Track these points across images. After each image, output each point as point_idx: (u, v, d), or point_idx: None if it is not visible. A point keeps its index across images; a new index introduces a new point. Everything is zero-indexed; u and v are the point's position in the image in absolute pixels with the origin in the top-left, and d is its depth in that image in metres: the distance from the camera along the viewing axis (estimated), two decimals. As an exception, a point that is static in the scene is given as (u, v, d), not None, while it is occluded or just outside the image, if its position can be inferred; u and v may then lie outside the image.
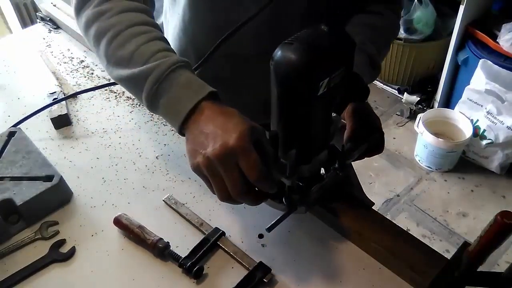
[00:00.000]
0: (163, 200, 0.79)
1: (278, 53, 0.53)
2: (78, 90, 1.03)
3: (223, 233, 0.73)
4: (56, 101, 0.95)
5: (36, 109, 0.95)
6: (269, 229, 0.63)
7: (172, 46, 0.72)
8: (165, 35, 0.84)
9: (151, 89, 0.63)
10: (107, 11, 0.69)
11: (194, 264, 0.68)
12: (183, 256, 0.69)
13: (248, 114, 0.61)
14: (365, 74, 0.77)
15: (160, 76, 0.63)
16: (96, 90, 1.03)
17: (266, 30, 0.83)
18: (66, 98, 0.98)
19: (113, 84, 1.00)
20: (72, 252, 0.72)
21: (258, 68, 0.90)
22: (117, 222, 0.74)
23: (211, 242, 0.71)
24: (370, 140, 0.70)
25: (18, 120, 0.92)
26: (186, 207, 0.78)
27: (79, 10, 0.73)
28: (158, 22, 0.96)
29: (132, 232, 0.73)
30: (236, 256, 0.70)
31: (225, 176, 0.57)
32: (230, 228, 0.74)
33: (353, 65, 0.58)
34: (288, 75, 0.52)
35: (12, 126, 0.90)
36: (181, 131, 0.63)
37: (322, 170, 0.69)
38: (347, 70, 0.56)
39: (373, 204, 0.74)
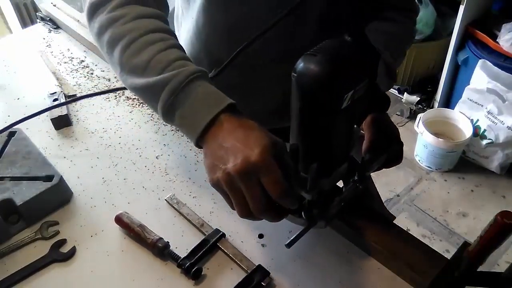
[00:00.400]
0: (165, 200, 0.79)
1: (300, 64, 0.50)
2: (78, 91, 1.03)
3: (223, 235, 0.73)
4: (57, 105, 0.94)
5: (36, 110, 0.94)
6: (289, 245, 0.61)
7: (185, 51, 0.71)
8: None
9: (168, 100, 0.61)
10: (121, 17, 0.67)
11: (193, 265, 0.68)
12: (182, 257, 0.69)
13: (255, 120, 0.60)
14: (382, 83, 0.75)
15: (178, 87, 0.61)
16: (96, 91, 1.03)
17: (276, 39, 0.82)
18: (69, 102, 0.97)
19: (121, 89, 0.98)
20: (72, 252, 0.72)
21: (266, 75, 0.89)
22: (118, 220, 0.74)
23: (211, 243, 0.71)
24: (390, 151, 0.68)
25: (16, 120, 0.91)
26: (188, 207, 0.78)
27: (91, 15, 0.70)
28: None
29: (132, 231, 0.73)
30: (235, 259, 0.70)
31: (246, 192, 0.55)
32: (230, 229, 0.74)
33: (376, 76, 0.56)
34: (312, 88, 0.50)
35: (9, 126, 0.89)
36: (198, 144, 0.61)
37: (340, 183, 0.67)
38: (371, 82, 0.54)
39: (394, 218, 0.72)
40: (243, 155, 0.54)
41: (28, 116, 0.89)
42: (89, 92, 1.02)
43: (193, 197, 0.80)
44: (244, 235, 0.74)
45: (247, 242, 0.73)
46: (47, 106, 0.97)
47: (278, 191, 0.55)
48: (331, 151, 0.57)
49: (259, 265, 0.68)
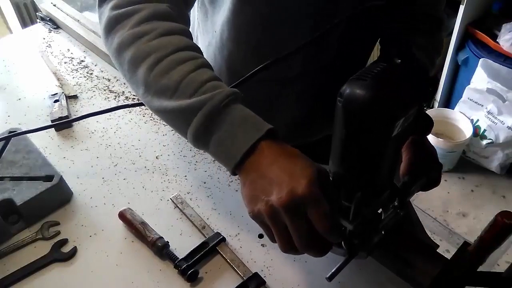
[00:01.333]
0: (170, 199, 0.79)
1: (348, 90, 0.46)
2: (78, 91, 1.03)
3: (224, 239, 0.72)
4: (64, 122, 0.92)
5: (37, 111, 0.94)
6: (330, 278, 0.56)
7: None
8: None
9: (201, 125, 0.57)
10: (146, 34, 0.62)
11: (189, 267, 0.68)
12: (180, 257, 0.69)
13: None
14: None
15: (212, 111, 0.56)
16: (96, 91, 1.03)
17: (297, 57, 0.79)
18: (76, 119, 0.93)
19: (139, 105, 0.91)
20: (73, 252, 0.72)
21: (284, 92, 0.88)
22: (122, 216, 0.75)
23: (210, 247, 0.71)
24: (430, 174, 0.64)
25: (21, 130, 0.88)
26: (192, 208, 0.78)
27: (109, 30, 0.64)
28: None
29: (134, 228, 0.73)
30: (232, 264, 0.69)
31: (291, 226, 0.52)
32: (230, 231, 0.75)
33: (427, 99, 0.53)
34: (362, 115, 0.46)
35: (12, 135, 0.88)
36: (234, 172, 0.57)
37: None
38: (421, 106, 0.50)
39: (438, 246, 0.69)
40: (289, 187, 0.50)
41: (36, 129, 0.87)
42: (88, 92, 1.03)
43: (191, 198, 0.80)
44: (244, 237, 0.74)
45: (247, 243, 0.73)
46: (48, 107, 0.97)
47: (327, 227, 0.51)
48: (377, 179, 0.53)
49: (256, 273, 0.68)
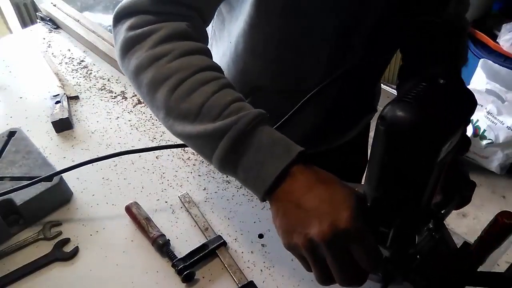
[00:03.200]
0: (178, 197, 0.79)
1: (390, 113, 0.43)
2: (78, 91, 1.03)
3: (224, 243, 0.72)
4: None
5: (38, 112, 0.94)
6: None
7: None
8: None
9: (227, 150, 0.54)
10: (165, 55, 0.59)
11: (186, 268, 0.68)
12: (179, 257, 0.69)
13: None
14: None
15: (239, 135, 0.53)
16: (94, 91, 1.03)
17: (316, 71, 0.78)
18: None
19: (179, 146, 0.83)
20: (75, 251, 0.72)
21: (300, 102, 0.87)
22: (128, 209, 0.76)
23: (210, 250, 0.71)
24: (464, 193, 0.62)
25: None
26: (198, 208, 0.78)
27: (126, 51, 0.62)
28: None
29: (138, 223, 0.74)
30: (229, 270, 0.69)
31: (332, 261, 0.48)
32: (231, 232, 0.75)
33: (470, 121, 0.51)
34: (407, 140, 0.43)
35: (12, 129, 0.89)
36: (264, 199, 0.54)
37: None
38: (465, 127, 0.48)
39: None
40: (330, 219, 0.47)
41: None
42: (87, 92, 1.03)
43: (191, 199, 0.80)
44: (244, 238, 0.74)
45: (247, 244, 0.73)
46: (50, 108, 0.97)
47: (373, 263, 0.48)
48: (418, 205, 0.51)
49: (251, 281, 0.68)
